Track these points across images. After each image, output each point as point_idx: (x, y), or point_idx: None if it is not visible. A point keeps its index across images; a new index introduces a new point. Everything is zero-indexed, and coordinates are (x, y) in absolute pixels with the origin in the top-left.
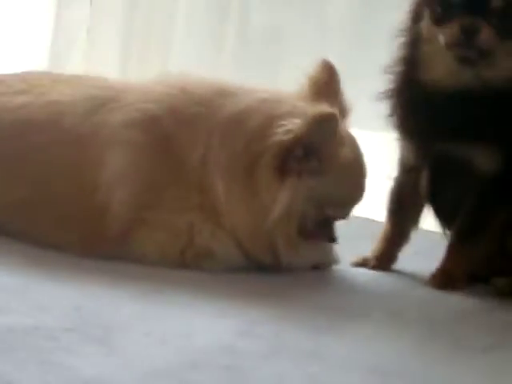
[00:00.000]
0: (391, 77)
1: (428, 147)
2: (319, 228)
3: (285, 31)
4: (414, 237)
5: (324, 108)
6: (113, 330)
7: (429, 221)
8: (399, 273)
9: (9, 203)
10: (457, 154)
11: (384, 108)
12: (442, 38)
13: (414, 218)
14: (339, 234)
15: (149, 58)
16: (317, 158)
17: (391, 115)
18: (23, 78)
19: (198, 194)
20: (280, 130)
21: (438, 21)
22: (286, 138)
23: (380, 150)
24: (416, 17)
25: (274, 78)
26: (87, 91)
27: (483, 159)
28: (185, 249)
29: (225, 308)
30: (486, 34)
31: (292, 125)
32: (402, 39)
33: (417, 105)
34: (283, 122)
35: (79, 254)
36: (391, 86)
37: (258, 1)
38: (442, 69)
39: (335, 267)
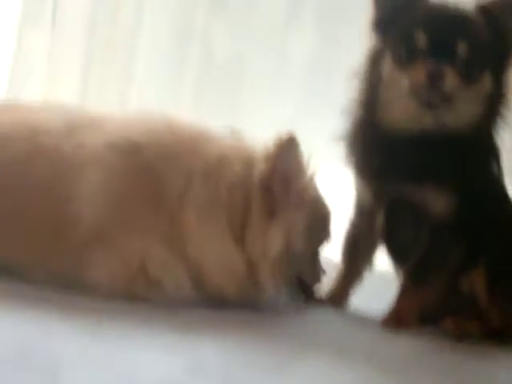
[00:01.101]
0: (349, 117)
1: (383, 189)
2: (311, 262)
3: (247, 63)
4: (368, 276)
5: (282, 135)
6: (59, 364)
7: (383, 260)
8: (352, 313)
9: None
10: (412, 197)
11: (341, 148)
12: (405, 81)
13: (368, 258)
14: None
15: (109, 88)
16: (293, 190)
17: (348, 157)
18: None
19: (166, 224)
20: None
21: (402, 64)
22: (262, 174)
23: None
24: (375, 60)
25: (235, 109)
26: (67, 115)
27: (437, 202)
28: (135, 275)
29: (174, 343)
30: (451, 80)
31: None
32: (361, 82)
33: (373, 146)
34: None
35: (36, 272)
36: (349, 126)
37: (220, 32)
38: (403, 112)
39: (287, 304)
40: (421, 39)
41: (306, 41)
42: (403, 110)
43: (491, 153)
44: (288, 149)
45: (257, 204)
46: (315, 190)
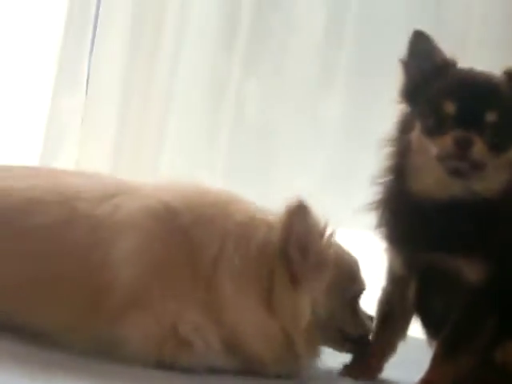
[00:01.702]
0: (378, 187)
1: (415, 257)
2: (352, 318)
3: (278, 127)
4: (402, 344)
5: (291, 203)
6: None
7: (416, 327)
8: (384, 382)
9: (13, 285)
10: (444, 264)
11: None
12: (433, 150)
13: (401, 329)
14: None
15: (142, 153)
16: (312, 253)
17: (379, 225)
18: (32, 167)
19: (202, 290)
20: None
21: (430, 132)
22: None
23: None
24: (405, 127)
25: (266, 173)
26: (101, 180)
27: (470, 270)
28: (166, 337)
29: None
30: (479, 148)
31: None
32: (390, 149)
33: (404, 215)
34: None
35: (68, 337)
36: (379, 196)
37: (252, 97)
38: (432, 180)
39: (320, 375)
40: (449, 108)
41: (337, 105)
42: (432, 178)
43: None
44: (298, 215)
45: (280, 272)
46: (336, 247)
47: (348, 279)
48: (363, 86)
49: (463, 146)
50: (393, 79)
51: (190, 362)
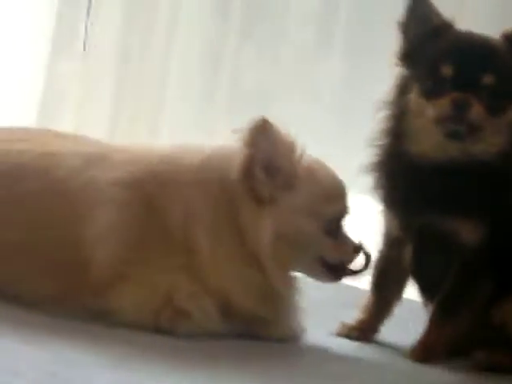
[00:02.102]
0: (375, 149)
1: (412, 220)
2: (332, 244)
3: (275, 92)
4: (398, 307)
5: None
6: None
7: (412, 290)
8: (380, 344)
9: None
10: (441, 226)
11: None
12: (431, 112)
13: (397, 291)
14: (323, 303)
15: (139, 117)
16: (279, 171)
17: (376, 188)
18: (26, 129)
19: (183, 254)
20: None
21: (428, 95)
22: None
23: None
24: (403, 90)
25: None
26: (83, 147)
27: (467, 232)
28: (161, 308)
29: (202, 379)
30: (476, 110)
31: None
32: (388, 112)
33: (401, 177)
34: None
35: (57, 307)
36: (376, 158)
37: (248, 63)
38: (430, 142)
39: (315, 336)
40: (447, 71)
41: (335, 69)
42: (430, 140)
43: None
44: (262, 133)
45: (242, 195)
46: (314, 166)
47: (324, 200)
48: (360, 49)
49: (460, 108)
50: (391, 41)
51: (188, 330)
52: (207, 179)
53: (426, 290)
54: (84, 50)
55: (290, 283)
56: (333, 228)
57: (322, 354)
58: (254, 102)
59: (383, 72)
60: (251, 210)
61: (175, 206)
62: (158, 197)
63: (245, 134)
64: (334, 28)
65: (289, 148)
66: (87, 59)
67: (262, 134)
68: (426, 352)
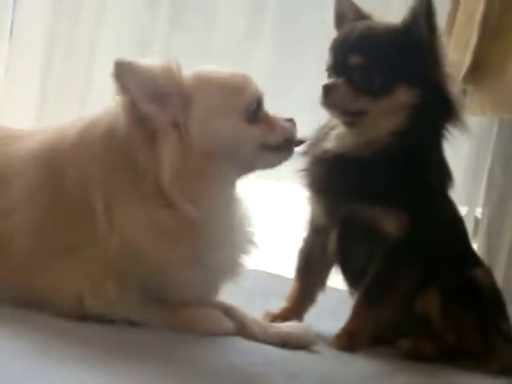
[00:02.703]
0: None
1: (335, 207)
2: (262, 128)
3: None
4: (322, 295)
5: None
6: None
7: (337, 278)
8: None
9: None
10: (362, 215)
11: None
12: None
13: (321, 279)
14: (247, 291)
15: (65, 105)
16: (169, 96)
17: (300, 172)
18: None
19: (89, 219)
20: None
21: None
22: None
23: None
24: None
25: None
26: None
27: (387, 221)
28: (83, 292)
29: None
30: (340, 92)
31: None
32: None
33: (322, 166)
34: None
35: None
36: (305, 146)
37: (178, 51)
38: (334, 134)
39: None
40: (328, 60)
41: (264, 57)
42: (334, 132)
43: (438, 167)
44: (127, 73)
45: (134, 144)
46: (200, 75)
47: (231, 94)
48: (290, 37)
49: (325, 94)
50: (320, 30)
51: (112, 314)
52: (90, 140)
53: (350, 278)
54: (10, 37)
55: (217, 211)
56: (255, 116)
57: (242, 344)
58: None
59: (313, 61)
60: (143, 150)
61: (69, 171)
62: (55, 165)
63: (112, 83)
64: (264, 16)
65: (163, 72)
66: (13, 47)
67: (128, 74)
68: (349, 340)
